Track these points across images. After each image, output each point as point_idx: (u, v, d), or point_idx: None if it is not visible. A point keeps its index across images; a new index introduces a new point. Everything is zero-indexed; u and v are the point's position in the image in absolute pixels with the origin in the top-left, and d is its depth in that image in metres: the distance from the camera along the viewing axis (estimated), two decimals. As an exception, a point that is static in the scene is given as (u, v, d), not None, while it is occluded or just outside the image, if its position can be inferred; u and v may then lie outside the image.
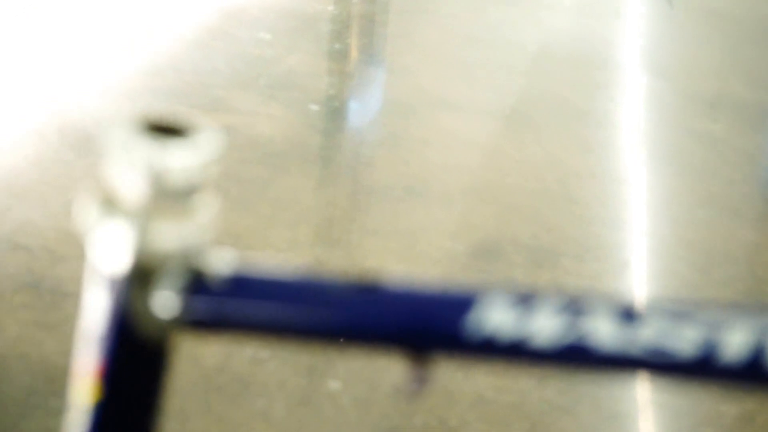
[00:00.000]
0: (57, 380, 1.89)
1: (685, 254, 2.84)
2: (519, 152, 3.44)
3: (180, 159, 0.53)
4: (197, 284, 0.53)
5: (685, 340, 0.54)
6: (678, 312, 0.54)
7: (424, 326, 0.55)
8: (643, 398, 2.14)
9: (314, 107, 3.62)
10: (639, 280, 2.71)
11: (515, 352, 0.54)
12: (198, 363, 2.00)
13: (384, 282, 0.55)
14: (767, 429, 2.10)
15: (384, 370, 2.11)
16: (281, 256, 2.51)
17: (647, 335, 0.53)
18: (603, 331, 0.54)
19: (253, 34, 4.38)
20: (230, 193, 2.83)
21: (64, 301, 2.15)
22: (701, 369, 0.54)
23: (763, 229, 3.18)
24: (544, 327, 0.54)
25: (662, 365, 0.54)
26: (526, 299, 0.54)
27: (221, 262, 0.54)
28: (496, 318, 0.54)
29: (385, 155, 3.27)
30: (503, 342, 0.54)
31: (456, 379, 2.11)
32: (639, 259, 2.79)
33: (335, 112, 3.62)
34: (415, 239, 2.71)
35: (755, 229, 3.11)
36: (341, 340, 0.55)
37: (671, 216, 3.11)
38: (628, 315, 0.54)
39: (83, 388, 0.55)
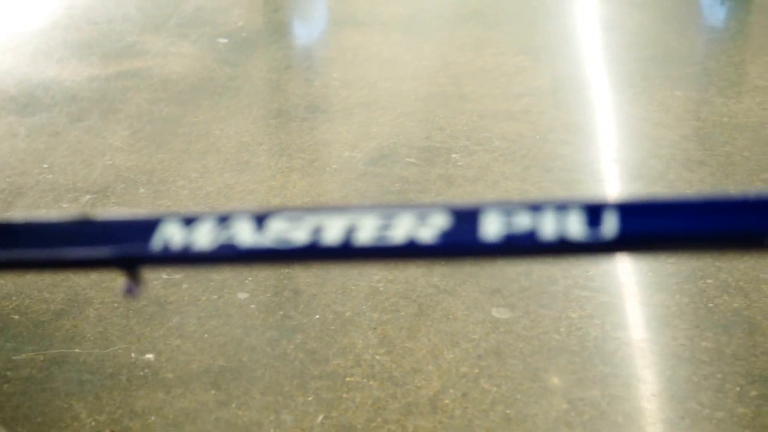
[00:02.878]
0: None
1: (569, 137, 3.09)
2: (417, 60, 3.65)
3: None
4: None
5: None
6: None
7: (125, 249, 0.78)
8: (515, 271, 2.41)
9: (223, 40, 3.81)
10: (525, 164, 2.96)
11: (185, 259, 0.77)
12: (114, 291, 2.25)
13: (98, 217, 0.78)
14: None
15: (287, 278, 2.37)
16: (191, 186, 2.75)
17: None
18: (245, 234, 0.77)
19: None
20: (144, 132, 3.05)
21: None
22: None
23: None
24: (209, 236, 0.77)
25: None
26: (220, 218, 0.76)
27: None
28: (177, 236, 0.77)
29: (290, 78, 3.48)
30: (179, 252, 0.77)
31: (351, 276, 2.37)
32: (525, 147, 3.04)
33: (243, 43, 3.80)
34: (317, 154, 2.95)
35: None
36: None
37: (556, 102, 3.35)
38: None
39: None
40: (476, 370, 2.06)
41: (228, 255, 0.77)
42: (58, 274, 2.28)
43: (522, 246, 0.72)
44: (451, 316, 2.23)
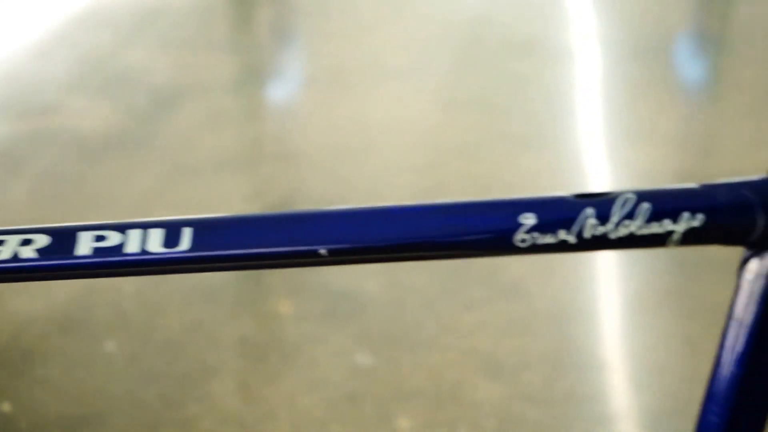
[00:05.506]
0: None
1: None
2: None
3: None
4: None
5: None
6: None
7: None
8: (386, 318, 2.44)
9: (144, 98, 3.87)
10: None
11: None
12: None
13: None
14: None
15: (159, 328, 2.40)
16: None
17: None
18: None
19: (96, 36, 4.62)
20: (45, 188, 3.10)
21: None
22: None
23: None
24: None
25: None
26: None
27: None
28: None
29: (201, 135, 3.53)
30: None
31: (223, 323, 2.40)
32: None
33: (164, 100, 3.86)
34: (216, 208, 2.99)
35: None
36: None
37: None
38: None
39: None
40: (329, 415, 2.08)
41: None
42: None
43: (110, 263, 0.75)
44: (314, 363, 2.25)
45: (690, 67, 4.38)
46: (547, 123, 3.65)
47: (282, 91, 4.10)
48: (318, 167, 3.26)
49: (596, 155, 3.38)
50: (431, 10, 5.04)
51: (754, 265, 0.68)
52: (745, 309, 0.69)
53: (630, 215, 0.67)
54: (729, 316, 0.71)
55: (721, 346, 0.72)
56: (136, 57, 4.34)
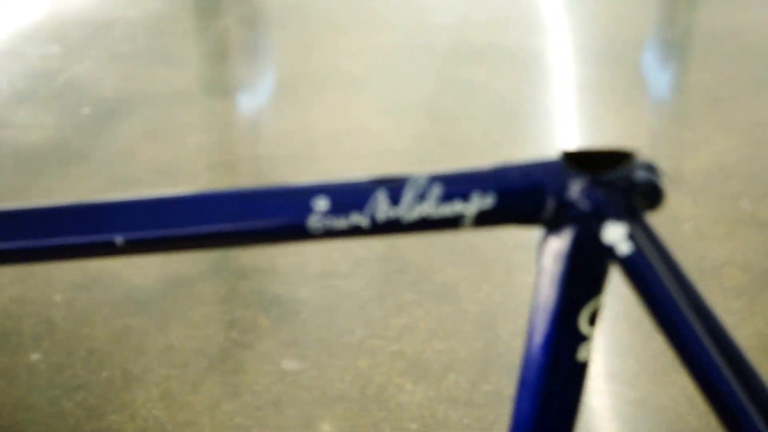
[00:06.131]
0: None
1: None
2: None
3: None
4: None
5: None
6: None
7: None
8: (315, 324, 2.43)
9: (87, 110, 3.85)
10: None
11: None
12: None
13: None
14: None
15: (85, 338, 2.38)
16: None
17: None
18: None
19: (43, 49, 4.60)
20: (-19, 202, 3.07)
21: None
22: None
23: None
24: None
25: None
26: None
27: None
28: None
29: (142, 146, 3.52)
30: None
31: (150, 334, 2.38)
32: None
33: (107, 112, 3.84)
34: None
35: None
36: None
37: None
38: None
39: None
40: (250, 421, 2.07)
41: None
42: None
43: None
44: (240, 369, 2.24)
45: (650, 71, 4.40)
46: (493, 129, 3.66)
47: (229, 102, 4.09)
48: (260, 176, 3.25)
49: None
50: (411, 19, 5.05)
51: (550, 246, 0.68)
52: (546, 291, 0.69)
53: (422, 198, 0.67)
54: (533, 301, 0.71)
55: (529, 331, 0.72)
56: (84, 70, 4.33)
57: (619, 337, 2.37)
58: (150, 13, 5.28)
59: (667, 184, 0.64)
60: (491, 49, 4.59)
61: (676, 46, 4.75)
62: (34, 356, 2.29)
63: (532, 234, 2.59)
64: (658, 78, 4.38)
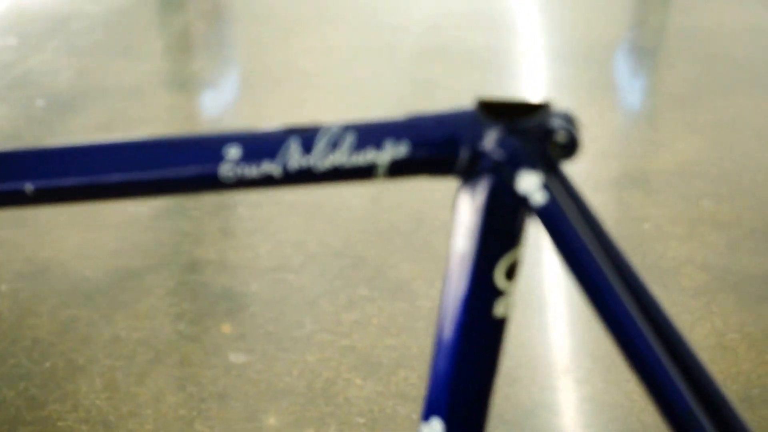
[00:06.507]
0: None
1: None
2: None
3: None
4: None
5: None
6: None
7: None
8: (265, 317, 2.39)
9: (41, 102, 3.80)
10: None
11: None
12: None
13: None
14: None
15: (29, 327, 2.33)
16: (-40, 242, 2.70)
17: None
18: None
19: (2, 42, 4.53)
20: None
21: None
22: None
23: None
24: None
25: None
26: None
27: None
28: None
29: (95, 137, 3.47)
30: None
31: (97, 324, 2.34)
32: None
33: (62, 104, 3.79)
34: (102, 209, 2.93)
35: None
36: None
37: None
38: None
39: None
40: (194, 413, 2.03)
41: None
42: None
43: None
44: (186, 362, 2.20)
45: (618, 72, 4.41)
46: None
47: (186, 96, 4.05)
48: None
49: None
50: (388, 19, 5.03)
51: (465, 197, 0.66)
52: (462, 245, 0.67)
53: (335, 146, 0.64)
54: (449, 256, 0.68)
55: (445, 287, 0.69)
56: (41, 62, 4.27)
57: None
58: (111, 8, 5.23)
59: (582, 134, 0.62)
60: (454, 50, 4.58)
61: (645, 47, 4.77)
62: (-25, 346, 2.24)
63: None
64: (626, 78, 4.39)
